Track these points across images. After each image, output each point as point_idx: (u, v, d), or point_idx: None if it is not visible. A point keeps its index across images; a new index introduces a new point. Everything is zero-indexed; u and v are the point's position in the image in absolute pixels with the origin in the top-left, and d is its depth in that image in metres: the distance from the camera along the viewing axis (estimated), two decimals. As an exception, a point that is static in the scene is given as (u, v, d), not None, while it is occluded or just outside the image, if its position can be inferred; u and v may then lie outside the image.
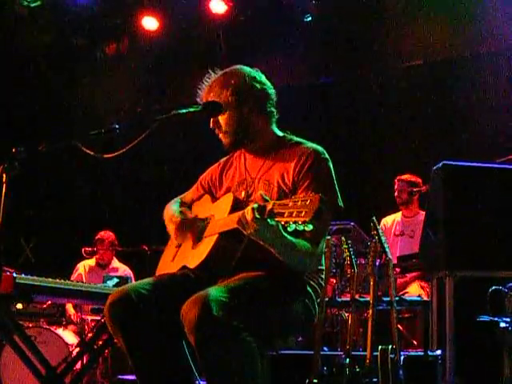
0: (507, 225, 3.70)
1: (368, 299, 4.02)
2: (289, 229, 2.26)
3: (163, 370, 2.68)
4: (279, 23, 7.27)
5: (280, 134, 2.94)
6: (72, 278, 6.31)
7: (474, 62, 6.78)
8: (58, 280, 3.53)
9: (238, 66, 2.94)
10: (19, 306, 5.44)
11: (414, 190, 5.96)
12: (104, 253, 6.87)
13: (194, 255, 2.79)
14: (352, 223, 5.53)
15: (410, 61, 7.25)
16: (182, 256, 2.93)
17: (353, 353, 3.97)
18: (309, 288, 2.76)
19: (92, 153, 2.65)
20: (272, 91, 2.91)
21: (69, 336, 5.79)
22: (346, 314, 5.03)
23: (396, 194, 6.12)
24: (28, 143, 2.62)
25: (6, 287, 3.20)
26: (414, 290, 5.54)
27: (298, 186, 2.72)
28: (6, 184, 2.49)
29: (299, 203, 2.21)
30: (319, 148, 2.82)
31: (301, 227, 2.21)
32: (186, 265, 2.79)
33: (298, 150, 2.81)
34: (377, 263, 4.02)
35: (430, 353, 4.18)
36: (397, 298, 4.17)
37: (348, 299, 4.39)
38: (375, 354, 3.78)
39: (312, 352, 4.02)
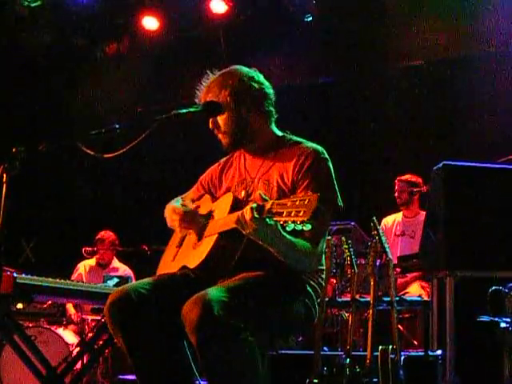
0: (507, 225, 3.70)
1: (368, 299, 4.02)
2: (287, 228, 2.26)
3: (163, 370, 2.68)
4: (279, 23, 7.27)
5: (279, 133, 2.95)
6: (72, 278, 6.31)
7: (473, 62, 6.78)
8: (58, 280, 3.54)
9: (236, 67, 2.94)
10: (19, 305, 5.44)
11: (415, 189, 5.96)
12: (104, 253, 6.87)
13: (194, 255, 2.79)
14: (352, 223, 5.54)
15: (410, 61, 7.25)
16: (182, 256, 2.93)
17: (353, 353, 3.97)
18: (309, 288, 2.76)
19: (92, 153, 2.65)
20: (270, 91, 2.91)
21: (69, 336, 5.79)
22: (347, 314, 5.03)
23: (396, 194, 6.12)
24: (28, 143, 2.62)
25: (7, 287, 3.21)
26: (415, 290, 5.54)
27: (298, 185, 2.72)
28: (6, 184, 2.48)
29: (298, 203, 2.21)
30: (319, 147, 2.82)
31: (299, 227, 2.21)
32: (186, 265, 2.79)
33: (298, 150, 2.81)
34: (377, 263, 4.02)
35: (430, 353, 4.18)
36: (397, 298, 4.17)
37: (348, 299, 4.39)
38: (375, 354, 3.78)
39: (312, 352, 4.02)
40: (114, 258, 7.01)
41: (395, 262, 4.98)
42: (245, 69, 2.92)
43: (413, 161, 6.72)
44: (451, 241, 3.70)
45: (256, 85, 2.87)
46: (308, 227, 2.20)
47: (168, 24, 7.62)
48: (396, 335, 3.84)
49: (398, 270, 5.22)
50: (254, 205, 2.35)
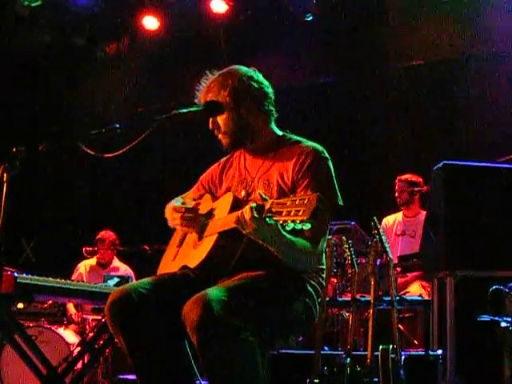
0: (507, 225, 3.70)
1: (369, 299, 4.02)
2: (287, 228, 2.25)
3: (163, 370, 2.68)
4: (280, 23, 7.27)
5: (279, 132, 2.95)
6: (73, 278, 6.31)
7: (474, 62, 6.78)
8: (58, 279, 3.53)
9: (235, 66, 2.94)
10: (20, 305, 5.43)
11: (415, 189, 5.96)
12: (105, 252, 6.87)
13: (194, 255, 2.80)
14: (353, 223, 5.54)
15: (410, 61, 7.25)
16: (182, 255, 2.93)
17: (353, 352, 3.97)
18: (309, 287, 2.76)
19: (93, 152, 2.66)
20: (270, 90, 2.91)
21: (70, 335, 5.79)
22: (347, 314, 5.03)
23: (396, 194, 6.11)
24: (28, 143, 2.62)
25: (7, 287, 3.21)
26: (415, 290, 5.55)
27: (298, 184, 2.72)
28: (6, 184, 2.49)
29: (297, 202, 2.21)
30: (319, 147, 2.83)
31: (298, 226, 2.20)
32: (187, 264, 2.79)
33: (298, 149, 2.81)
34: (378, 263, 4.03)
35: (430, 352, 4.19)
36: (397, 298, 4.17)
37: (349, 299, 4.39)
38: (376, 353, 3.78)
39: (313, 351, 4.02)
40: (115, 257, 7.02)
41: (396, 261, 4.98)
42: (244, 68, 2.92)
43: (413, 161, 6.72)
44: (451, 241, 3.70)
45: (255, 84, 2.87)
46: (307, 226, 2.20)
47: (168, 24, 7.61)
48: (396, 335, 3.84)
49: (399, 269, 5.22)
50: (254, 204, 2.35)
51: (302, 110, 7.11)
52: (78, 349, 4.49)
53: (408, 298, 4.99)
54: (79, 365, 4.42)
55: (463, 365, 3.94)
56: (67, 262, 7.01)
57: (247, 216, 2.36)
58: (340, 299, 5.04)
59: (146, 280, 2.77)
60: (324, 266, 2.88)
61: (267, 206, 2.30)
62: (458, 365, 3.77)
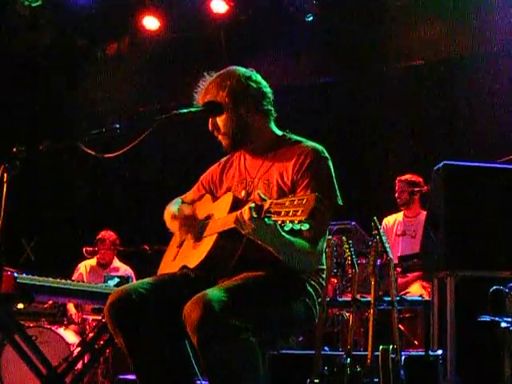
0: (508, 225, 3.69)
1: (369, 299, 4.02)
2: (285, 228, 2.25)
3: (163, 370, 2.68)
4: (280, 23, 7.28)
5: (279, 132, 2.94)
6: (73, 278, 6.31)
7: (474, 62, 6.78)
8: (59, 280, 3.53)
9: (233, 67, 2.94)
10: (20, 305, 5.41)
11: (415, 189, 5.96)
12: (105, 252, 6.87)
13: (194, 255, 2.80)
14: (353, 223, 5.53)
15: (410, 61, 7.25)
16: (182, 256, 2.93)
17: (354, 352, 3.97)
18: (309, 287, 2.76)
19: (92, 153, 2.66)
20: (268, 90, 2.91)
21: (70, 336, 5.79)
22: (347, 314, 5.03)
23: (396, 195, 6.11)
24: (28, 143, 2.62)
25: (7, 287, 3.21)
26: (416, 290, 5.55)
27: (297, 184, 2.72)
28: (6, 184, 2.49)
29: (296, 202, 2.21)
30: (318, 147, 2.82)
31: (297, 226, 2.20)
32: (187, 264, 2.79)
33: (297, 149, 2.81)
34: (378, 263, 4.02)
35: (430, 353, 4.18)
36: (398, 298, 4.17)
37: (349, 299, 4.39)
38: (376, 353, 3.78)
39: (313, 352, 4.02)
40: (115, 257, 7.01)
41: (396, 261, 4.98)
42: (242, 69, 2.92)
43: (413, 161, 6.73)
44: (451, 241, 3.69)
45: (254, 84, 2.86)
46: (306, 227, 2.20)
47: (168, 24, 7.62)
48: (397, 335, 3.84)
49: (399, 269, 5.22)
50: (253, 204, 2.35)
51: (302, 110, 7.11)
52: (78, 349, 4.48)
53: (408, 298, 4.98)
54: (79, 365, 4.41)
55: (463, 365, 3.93)
56: (67, 262, 7.01)
57: (246, 216, 2.36)
58: (340, 299, 5.04)
59: (146, 280, 2.77)
60: (324, 266, 2.88)
61: (266, 206, 2.30)
62: (459, 365, 3.76)
